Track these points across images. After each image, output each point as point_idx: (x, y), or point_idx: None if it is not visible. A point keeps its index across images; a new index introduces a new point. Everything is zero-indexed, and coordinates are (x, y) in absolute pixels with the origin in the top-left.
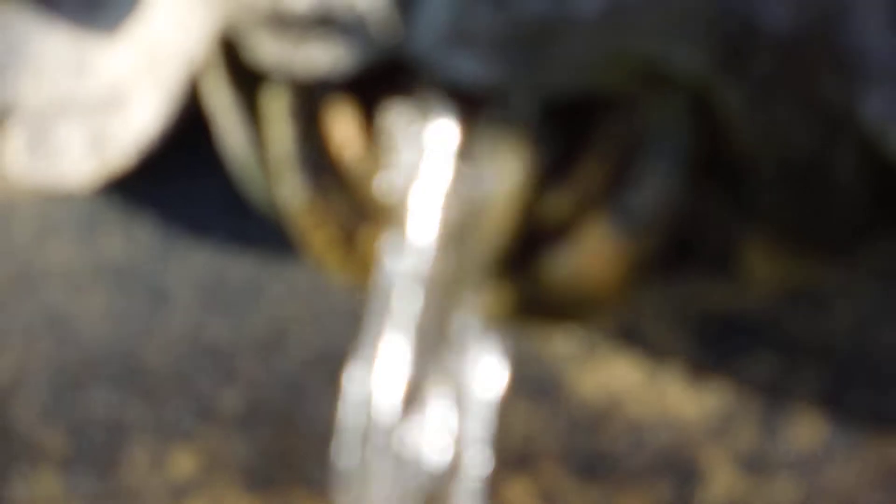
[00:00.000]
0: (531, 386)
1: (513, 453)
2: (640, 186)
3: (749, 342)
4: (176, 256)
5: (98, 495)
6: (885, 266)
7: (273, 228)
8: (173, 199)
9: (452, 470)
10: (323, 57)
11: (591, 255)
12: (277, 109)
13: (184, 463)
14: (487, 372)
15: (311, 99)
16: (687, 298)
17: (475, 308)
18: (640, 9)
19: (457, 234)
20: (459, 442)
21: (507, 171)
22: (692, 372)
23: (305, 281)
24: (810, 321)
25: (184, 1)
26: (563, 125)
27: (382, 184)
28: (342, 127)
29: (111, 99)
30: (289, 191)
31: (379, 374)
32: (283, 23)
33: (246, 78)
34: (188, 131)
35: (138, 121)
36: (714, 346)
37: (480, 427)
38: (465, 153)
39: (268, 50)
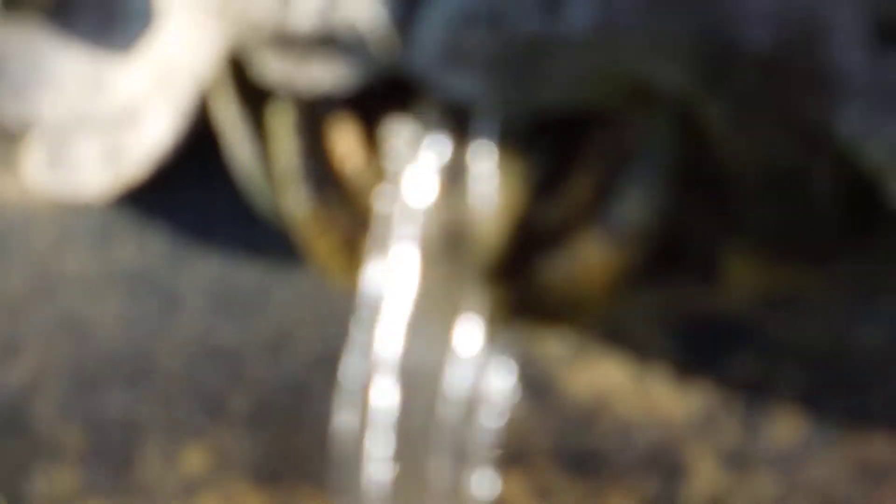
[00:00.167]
0: (525, 385)
1: (507, 449)
2: (627, 198)
3: (731, 344)
4: (186, 263)
5: (113, 491)
6: (859, 273)
7: (279, 237)
8: (184, 209)
9: (452, 466)
10: (325, 75)
11: (582, 262)
12: (282, 124)
13: (195, 460)
14: (484, 372)
15: (314, 114)
16: (672, 303)
17: (472, 311)
18: (628, 29)
19: (455, 242)
20: (458, 439)
21: (502, 183)
22: (677, 373)
23: (310, 286)
24: (789, 325)
25: (193, 22)
26: (555, 140)
27: (383, 195)
28: (344, 141)
29: (125, 115)
30: (294, 201)
31: (376, 376)
32: (288, 42)
33: (253, 95)
34: (198, 145)
35: (151, 135)
36: (698, 348)
37: (478, 425)
38: (462, 166)
39: (273, 68)
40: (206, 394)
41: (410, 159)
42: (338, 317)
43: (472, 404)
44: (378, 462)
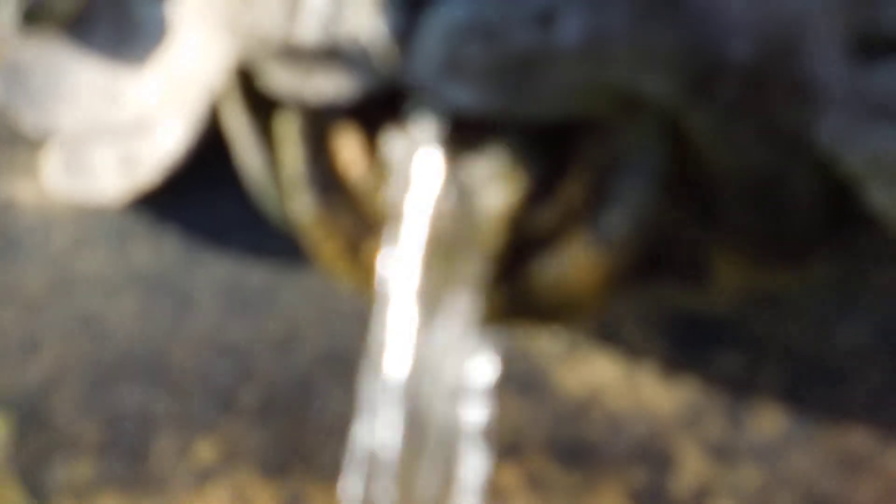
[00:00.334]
0: (519, 381)
1: (502, 442)
2: (616, 202)
3: (716, 341)
4: (199, 264)
5: (128, 481)
6: (838, 273)
7: (286, 239)
8: (196, 213)
9: (452, 458)
10: (330, 85)
11: (574, 264)
12: (289, 133)
13: (206, 452)
14: (481, 368)
15: (319, 123)
16: (660, 302)
17: (470, 311)
18: (616, 42)
19: (453, 244)
20: (457, 433)
21: (498, 189)
22: (665, 368)
23: (316, 286)
24: (772, 322)
25: (205, 36)
26: (548, 148)
27: (385, 199)
28: (348, 148)
29: (139, 124)
30: (300, 206)
31: (385, 373)
32: (294, 55)
33: (261, 104)
34: (209, 152)
35: (164, 143)
36: (684, 345)
37: (475, 419)
38: (460, 172)
39: (280, 79)
40: (217, 389)
41: (411, 165)
42: (343, 315)
43: (469, 399)
44: (380, 453)
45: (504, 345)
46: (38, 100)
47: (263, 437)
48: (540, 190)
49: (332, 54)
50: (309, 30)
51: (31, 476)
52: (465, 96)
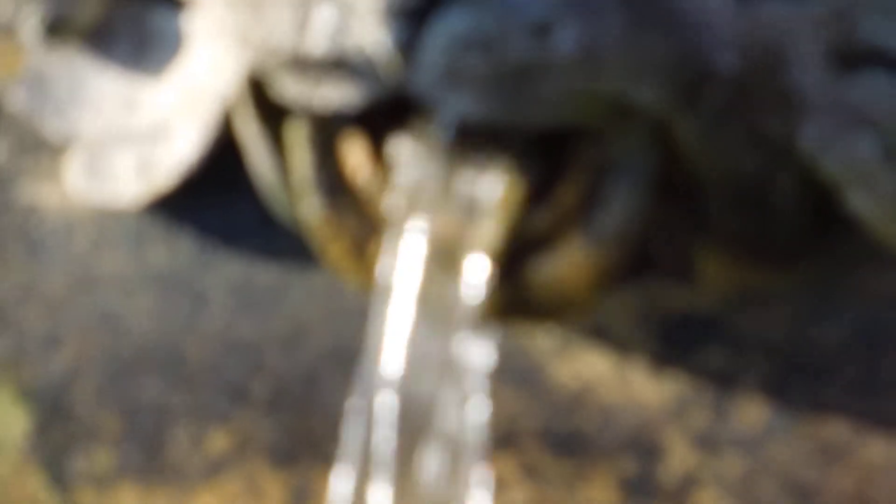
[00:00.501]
0: (515, 374)
1: (499, 432)
2: (609, 205)
3: (703, 337)
4: (212, 264)
5: (145, 469)
6: (820, 272)
7: (295, 240)
8: (209, 216)
9: (451, 450)
10: (337, 94)
11: (568, 263)
12: (298, 139)
13: (219, 442)
14: (479, 362)
15: (327, 130)
16: (649, 300)
17: (469, 308)
18: (610, 53)
19: (453, 245)
20: (456, 424)
21: (496, 192)
22: (654, 363)
23: (323, 285)
24: (756, 319)
25: (219, 48)
26: (544, 153)
27: (389, 203)
28: (354, 154)
29: (157, 131)
30: (308, 209)
31: (385, 368)
32: (303, 65)
33: (272, 112)
34: (223, 157)
35: (180, 149)
36: (673, 341)
37: (473, 410)
38: (461, 176)
39: (290, 88)
40: (229, 382)
41: (414, 170)
42: (348, 313)
43: (467, 391)
44: (382, 443)
45: (501, 340)
46: (60, 108)
47: (273, 429)
48: (537, 192)
49: (339, 65)
50: (317, 41)
51: (53, 465)
52: (466, 104)
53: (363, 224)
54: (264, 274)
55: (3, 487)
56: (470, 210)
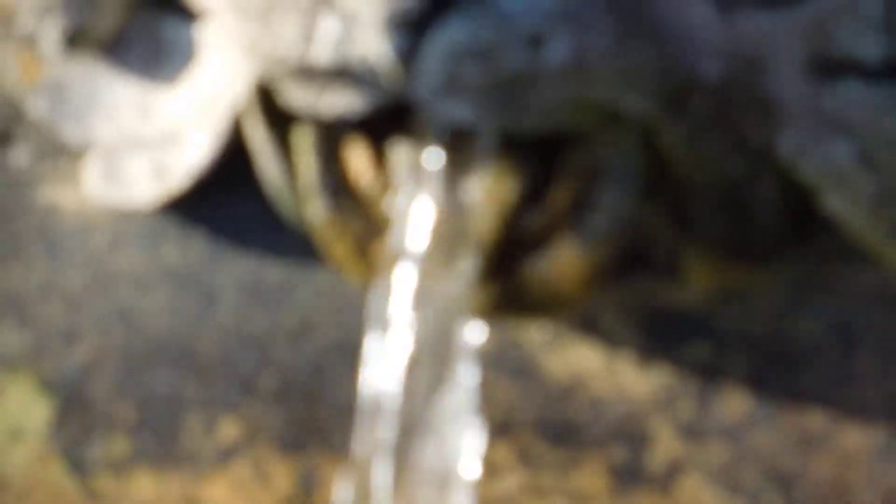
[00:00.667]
0: (511, 367)
1: (495, 421)
2: (599, 207)
3: (688, 331)
4: (222, 262)
5: (160, 456)
6: (798, 270)
7: (302, 240)
8: (220, 216)
9: (449, 437)
10: (341, 101)
11: (561, 262)
12: (304, 144)
13: (229, 430)
14: (475, 355)
15: (331, 135)
16: (637, 297)
17: (466, 304)
18: (600, 63)
19: (451, 244)
20: (455, 413)
21: (492, 194)
22: (641, 356)
23: (328, 282)
24: (738, 315)
25: (229, 57)
26: (537, 157)
27: (390, 205)
28: (357, 158)
29: (170, 136)
30: (313, 210)
31: (388, 361)
32: (309, 74)
33: (279, 118)
34: (233, 161)
35: (192, 154)
36: (659, 336)
37: (470, 400)
38: (458, 179)
39: (296, 96)
40: (239, 374)
41: (414, 174)
42: (352, 308)
43: (465, 382)
44: (386, 430)
45: (497, 334)
46: (78, 115)
47: (281, 418)
48: (530, 195)
49: (343, 73)
50: (322, 52)
51: (73, 452)
52: (463, 111)
53: (366, 225)
54: (272, 271)
55: (25, 473)
56: (466, 212)
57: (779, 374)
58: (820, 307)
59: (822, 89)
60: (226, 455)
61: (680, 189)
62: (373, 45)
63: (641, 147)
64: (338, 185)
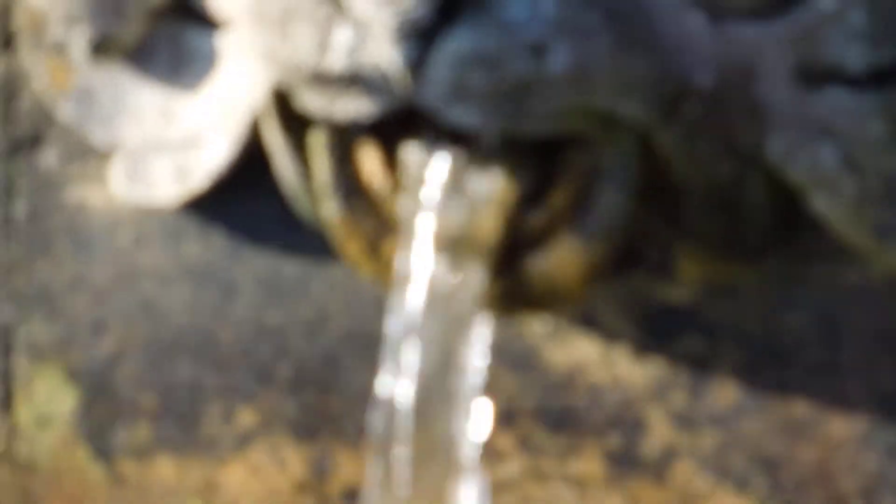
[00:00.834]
0: (513, 357)
1: (498, 409)
2: (597, 207)
3: (680, 325)
4: (241, 258)
5: (181, 442)
6: (785, 266)
7: (317, 237)
8: (239, 214)
9: (456, 423)
10: (354, 106)
11: (561, 259)
12: (319, 147)
13: (247, 418)
14: (480, 347)
15: (345, 139)
16: (633, 291)
17: (471, 299)
18: (599, 71)
19: (458, 243)
20: (461, 402)
21: (496, 195)
22: (636, 348)
23: (342, 277)
24: (728, 309)
25: (248, 64)
26: (538, 160)
27: (400, 204)
28: (369, 160)
29: (192, 138)
30: (328, 209)
31: (400, 353)
32: (324, 80)
33: (295, 122)
34: (252, 162)
35: (212, 155)
36: (653, 328)
37: (475, 390)
38: (464, 180)
39: (312, 101)
40: (256, 364)
41: (422, 175)
42: (365, 302)
43: (470, 372)
44: (396, 419)
45: (500, 327)
46: (105, 118)
47: (296, 406)
48: (532, 196)
49: (356, 80)
50: (336, 59)
51: (98, 438)
52: (469, 116)
53: (377, 224)
54: (289, 267)
55: (53, 458)
56: (472, 211)
57: (767, 366)
58: (806, 302)
59: (808, 96)
60: (243, 441)
61: (674, 190)
62: (384, 54)
63: (638, 150)
64: (351, 185)
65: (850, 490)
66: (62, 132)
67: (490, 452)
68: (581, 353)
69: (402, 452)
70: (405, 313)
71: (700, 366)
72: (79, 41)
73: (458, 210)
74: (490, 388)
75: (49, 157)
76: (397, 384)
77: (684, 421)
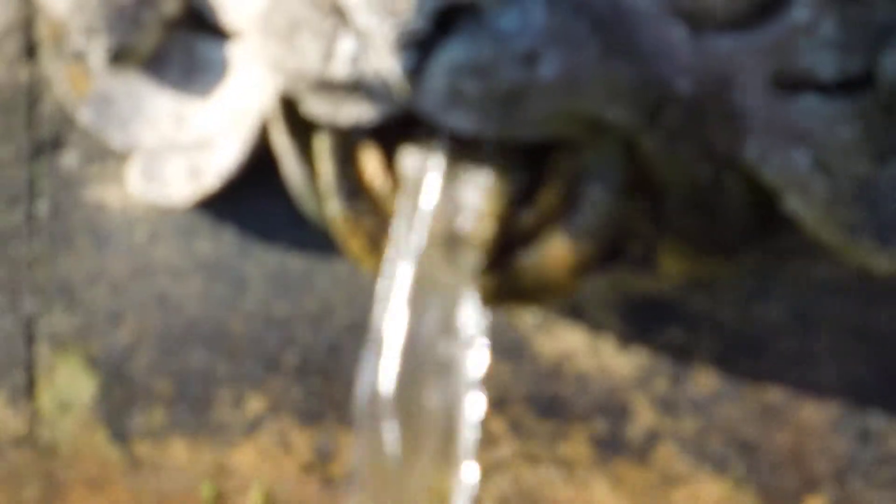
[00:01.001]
0: (505, 347)
1: (491, 396)
2: (585, 206)
3: (663, 316)
4: (251, 253)
5: (194, 426)
6: (761, 262)
7: (322, 234)
8: (249, 213)
9: (451, 410)
10: (356, 111)
11: (550, 255)
12: (323, 150)
13: (256, 403)
14: (475, 338)
15: (347, 142)
16: (618, 285)
17: (467, 291)
18: (587, 79)
19: (453, 239)
20: (456, 388)
21: (489, 195)
22: (621, 338)
23: (345, 272)
24: (707, 301)
25: (257, 72)
26: (529, 162)
27: (400, 204)
28: (371, 163)
29: (204, 141)
30: (332, 209)
31: (396, 344)
32: (328, 87)
33: (301, 127)
34: (260, 164)
35: (224, 157)
36: (637, 320)
37: (470, 377)
38: (460, 181)
39: (317, 106)
40: (264, 353)
41: (420, 176)
42: (366, 295)
43: (465, 361)
44: (394, 408)
45: (493, 319)
46: (122, 122)
47: (302, 392)
48: (523, 195)
49: (358, 87)
50: (340, 68)
51: (115, 422)
52: (464, 121)
53: (378, 222)
54: (295, 262)
55: (73, 441)
56: (467, 210)
57: (743, 355)
58: (780, 295)
59: (782, 102)
60: (252, 426)
61: (657, 190)
62: (384, 63)
63: (623, 153)
64: (353, 186)
65: (821, 472)
66: (82, 135)
67: (483, 437)
68: (569, 343)
69: (391, 434)
70: (402, 307)
71: (681, 355)
72: (97, 50)
73: (454, 209)
74: (483, 377)
75: (70, 159)
76: (390, 374)
77: (666, 407)
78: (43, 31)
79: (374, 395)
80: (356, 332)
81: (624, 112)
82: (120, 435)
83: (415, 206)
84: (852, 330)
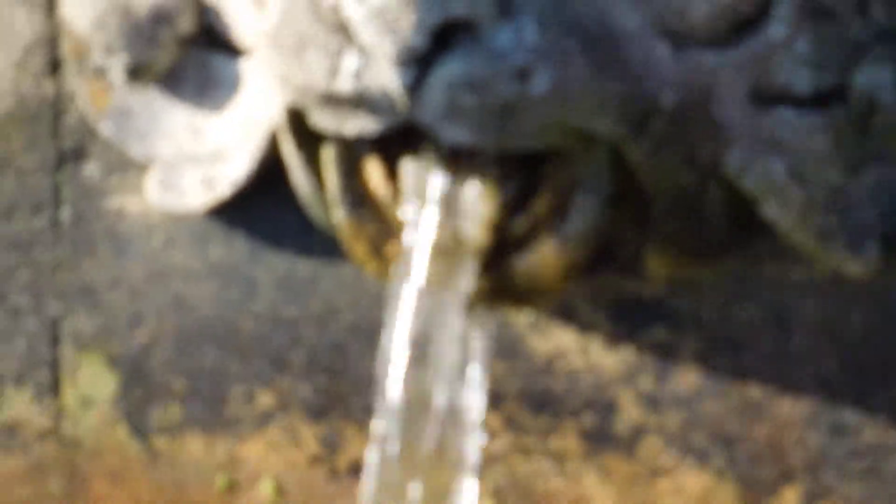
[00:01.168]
0: (500, 346)
1: (488, 392)
2: (575, 213)
3: (648, 316)
4: (261, 258)
5: (208, 422)
6: (741, 265)
7: (329, 240)
8: (260, 219)
9: (453, 408)
10: (360, 123)
11: (542, 259)
12: (330, 160)
13: (266, 400)
14: (473, 337)
15: (352, 153)
16: (606, 287)
17: (464, 294)
18: (577, 93)
19: (451, 245)
20: (457, 387)
21: (484, 202)
22: (609, 337)
23: (350, 275)
24: (690, 302)
25: (267, 87)
26: (523, 172)
27: (401, 211)
28: (374, 173)
29: (218, 153)
30: (337, 216)
31: (399, 346)
32: (334, 101)
33: (309, 138)
34: (270, 174)
35: (236, 167)
36: (624, 319)
37: (471, 375)
38: (457, 190)
39: (323, 119)
40: (274, 352)
41: (420, 185)
42: (370, 297)
43: (462, 359)
44: (397, 401)
45: (488, 319)
46: (141, 135)
47: (309, 389)
48: (516, 203)
49: (361, 101)
50: (344, 82)
51: (135, 417)
52: (461, 133)
53: (381, 228)
54: (303, 266)
55: (95, 436)
56: (464, 217)
57: (724, 353)
58: (759, 296)
59: (760, 115)
60: (263, 420)
61: (643, 198)
62: (386, 78)
63: (611, 162)
64: (357, 194)
65: (797, 464)
66: (104, 147)
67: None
68: (560, 342)
69: (398, 438)
70: (404, 309)
71: (665, 353)
72: (117, 67)
73: (452, 217)
74: (481, 374)
75: (92, 169)
76: (397, 372)
77: (651, 402)
78: (66, 49)
79: (386, 397)
80: (360, 332)
81: (612, 124)
82: (139, 430)
83: (415, 214)
84: (826, 330)
